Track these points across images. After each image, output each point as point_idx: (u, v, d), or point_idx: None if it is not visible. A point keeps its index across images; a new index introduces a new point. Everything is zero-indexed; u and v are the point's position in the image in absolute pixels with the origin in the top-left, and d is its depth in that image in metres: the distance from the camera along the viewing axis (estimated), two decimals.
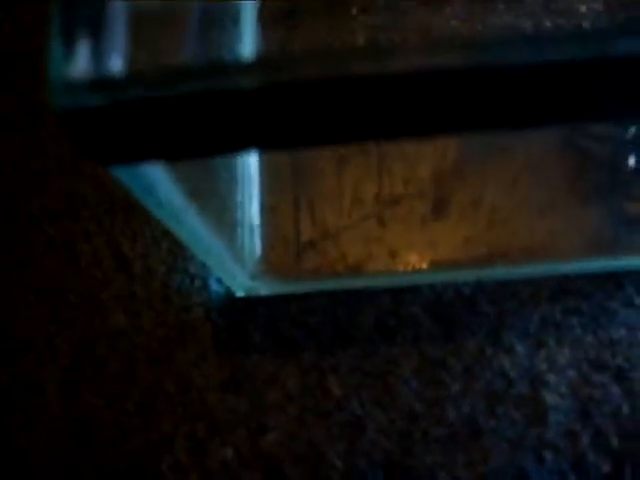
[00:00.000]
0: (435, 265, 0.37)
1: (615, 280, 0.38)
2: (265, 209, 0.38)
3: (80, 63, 0.19)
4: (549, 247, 0.38)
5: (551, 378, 0.37)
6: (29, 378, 0.39)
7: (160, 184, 0.24)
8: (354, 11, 0.41)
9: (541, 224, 0.38)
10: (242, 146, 0.21)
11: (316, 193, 0.39)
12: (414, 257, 0.38)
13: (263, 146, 0.22)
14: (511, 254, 0.38)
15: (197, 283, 0.39)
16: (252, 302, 0.39)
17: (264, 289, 0.38)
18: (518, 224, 0.38)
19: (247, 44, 0.40)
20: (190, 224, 0.28)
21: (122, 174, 0.23)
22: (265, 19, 0.41)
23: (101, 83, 0.19)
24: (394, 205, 0.39)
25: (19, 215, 0.42)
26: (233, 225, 0.36)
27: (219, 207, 0.34)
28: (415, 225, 0.38)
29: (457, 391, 0.37)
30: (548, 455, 0.36)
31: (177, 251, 0.40)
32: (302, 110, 0.19)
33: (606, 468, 0.36)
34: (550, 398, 0.37)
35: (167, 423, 0.38)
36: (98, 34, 0.19)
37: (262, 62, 0.19)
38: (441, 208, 0.38)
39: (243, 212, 0.37)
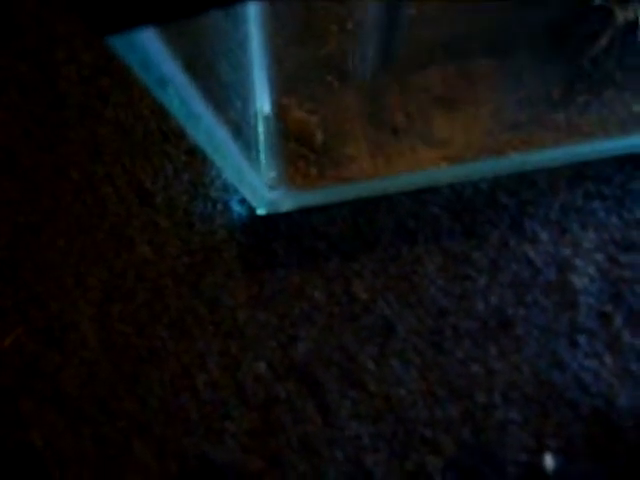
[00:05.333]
0: (451, 161, 0.37)
1: (634, 162, 0.37)
2: (278, 117, 0.39)
3: None
4: (562, 133, 0.37)
5: (578, 262, 0.36)
6: (64, 317, 0.40)
7: (158, 57, 0.24)
8: None
9: (553, 113, 0.38)
10: None
11: (327, 105, 0.39)
12: (430, 155, 0.38)
13: None
14: (525, 144, 0.38)
15: (219, 207, 0.40)
16: (274, 219, 0.39)
17: (284, 203, 0.38)
18: (529, 116, 0.38)
19: None
20: (199, 113, 0.28)
21: (120, 46, 0.23)
22: None
23: None
24: (406, 110, 0.39)
25: (44, 164, 0.43)
26: (246, 126, 0.37)
27: (228, 98, 0.35)
28: (428, 126, 0.38)
29: (484, 284, 0.37)
30: (582, 339, 0.35)
31: (198, 180, 0.41)
32: None
33: None
34: (579, 282, 0.36)
35: (199, 343, 0.38)
36: None
37: None
38: (452, 108, 0.39)
39: (256, 115, 0.38)
